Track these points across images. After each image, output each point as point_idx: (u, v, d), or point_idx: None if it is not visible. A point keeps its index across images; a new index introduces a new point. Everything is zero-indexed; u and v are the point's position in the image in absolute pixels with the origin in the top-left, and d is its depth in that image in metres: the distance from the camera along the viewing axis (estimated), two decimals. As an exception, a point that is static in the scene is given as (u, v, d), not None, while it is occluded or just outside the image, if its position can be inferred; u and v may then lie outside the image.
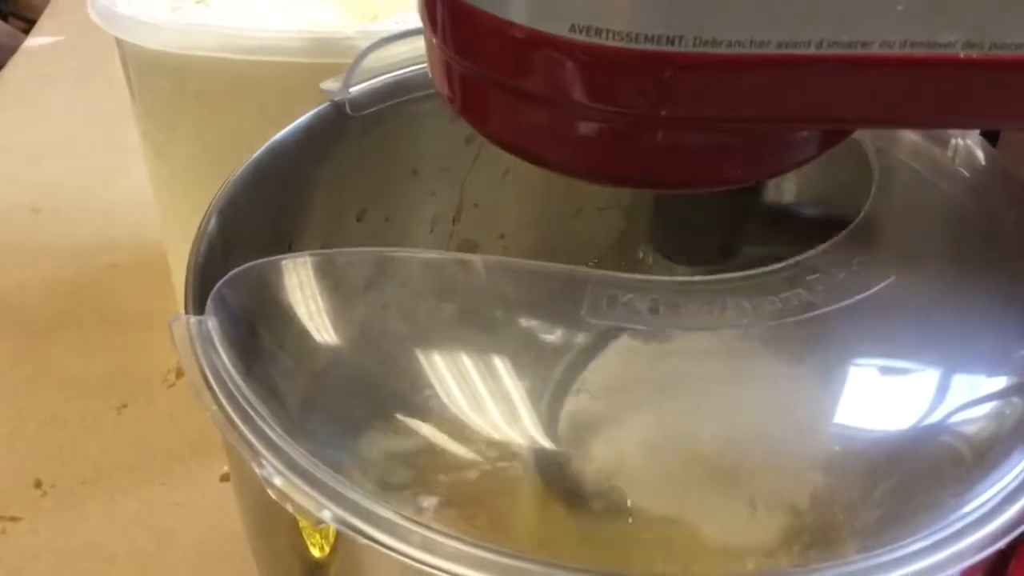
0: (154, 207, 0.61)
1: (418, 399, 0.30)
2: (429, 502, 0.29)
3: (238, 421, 0.26)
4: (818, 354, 0.26)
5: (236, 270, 0.29)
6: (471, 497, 0.29)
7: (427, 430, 0.31)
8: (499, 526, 0.30)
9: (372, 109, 0.40)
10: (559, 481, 0.30)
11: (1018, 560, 0.27)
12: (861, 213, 0.28)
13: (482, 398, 0.30)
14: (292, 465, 0.25)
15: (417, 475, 0.31)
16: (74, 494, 0.54)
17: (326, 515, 0.23)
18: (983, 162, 0.33)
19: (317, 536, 0.27)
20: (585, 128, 0.25)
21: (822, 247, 0.27)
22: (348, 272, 0.32)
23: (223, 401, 0.27)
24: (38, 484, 0.55)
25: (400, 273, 0.33)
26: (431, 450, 0.31)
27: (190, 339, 0.28)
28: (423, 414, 0.30)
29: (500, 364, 0.29)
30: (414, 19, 0.54)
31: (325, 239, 0.40)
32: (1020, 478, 0.25)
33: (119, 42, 0.51)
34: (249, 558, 0.35)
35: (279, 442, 0.26)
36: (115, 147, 0.79)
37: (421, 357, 0.31)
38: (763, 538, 0.27)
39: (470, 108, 0.28)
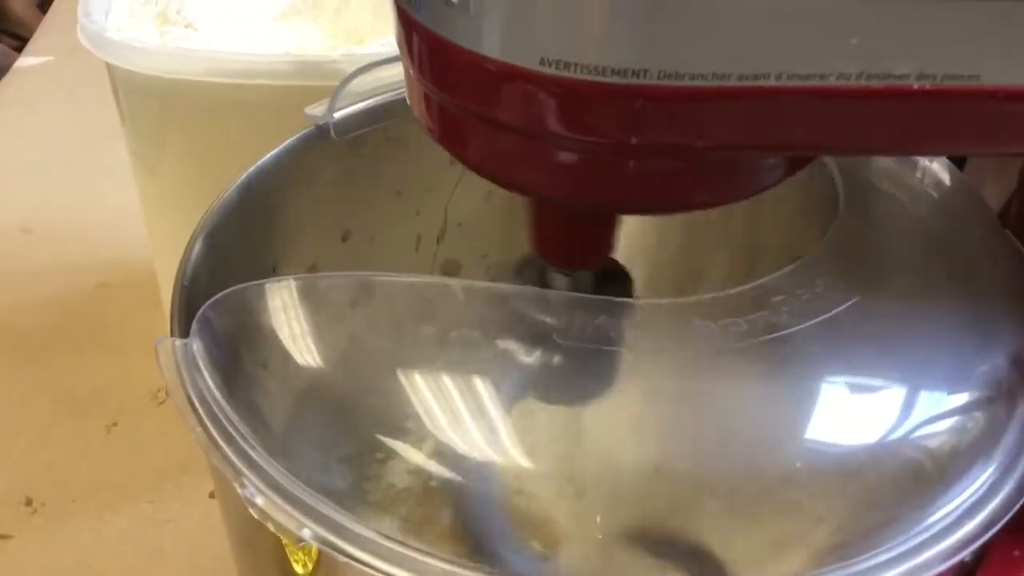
0: (143, 227, 0.62)
1: (398, 420, 0.31)
2: (409, 520, 0.30)
3: (221, 442, 0.27)
4: (783, 374, 0.27)
5: (220, 294, 0.30)
6: (450, 515, 0.30)
7: (407, 450, 0.31)
8: (479, 544, 0.31)
9: (357, 132, 0.41)
10: (535, 500, 0.31)
11: (984, 573, 0.28)
12: (827, 234, 0.29)
13: (461, 418, 0.31)
14: (273, 485, 0.25)
15: (398, 494, 0.32)
16: (64, 512, 0.55)
17: (306, 533, 0.24)
18: (949, 183, 0.34)
19: (300, 554, 0.28)
20: (558, 156, 0.26)
21: (787, 268, 0.28)
22: (330, 295, 0.33)
23: (207, 422, 0.28)
24: (28, 502, 0.55)
25: (381, 296, 0.34)
26: (411, 470, 0.32)
27: (175, 361, 0.29)
28: (403, 434, 0.31)
29: (478, 384, 0.30)
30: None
31: (311, 261, 0.41)
32: (982, 491, 0.26)
33: (109, 65, 0.52)
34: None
35: (261, 463, 0.27)
36: (105, 167, 0.80)
37: (402, 379, 0.32)
38: (727, 555, 0.27)
39: (448, 137, 0.28)
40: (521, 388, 0.28)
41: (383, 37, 0.56)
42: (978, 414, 0.27)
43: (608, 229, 0.29)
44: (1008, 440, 0.27)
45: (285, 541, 0.27)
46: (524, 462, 0.30)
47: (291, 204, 0.39)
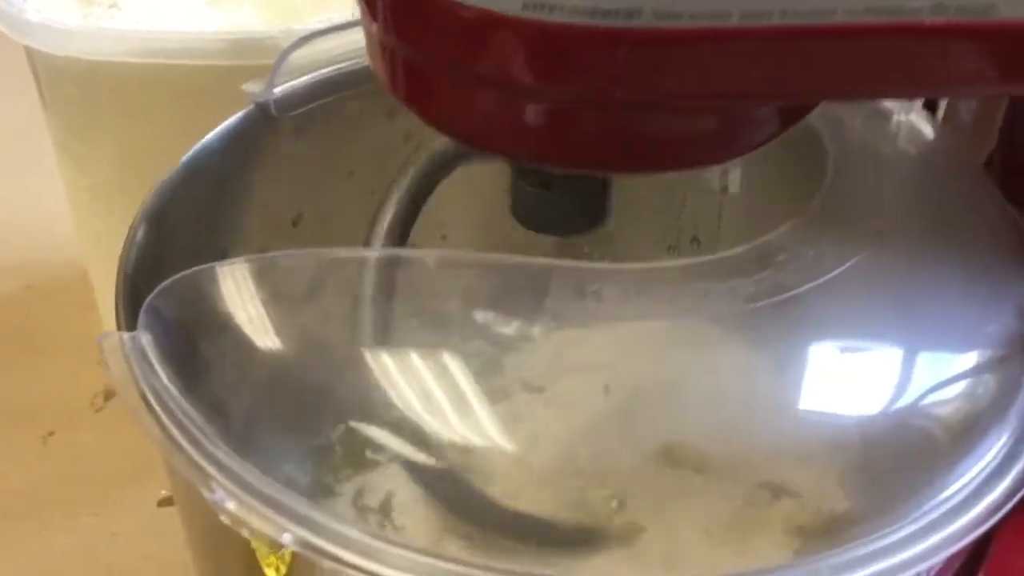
0: (71, 225, 0.58)
1: (371, 404, 0.29)
2: (387, 512, 0.28)
3: (184, 443, 0.24)
4: (793, 337, 0.25)
5: (168, 281, 0.27)
6: (433, 501, 0.27)
7: (382, 436, 0.29)
8: (461, 530, 0.29)
9: (300, 110, 0.38)
10: (522, 486, 0.29)
11: (998, 542, 0.26)
12: (820, 191, 0.27)
13: (437, 400, 0.29)
14: (245, 486, 0.23)
15: (370, 483, 0.30)
16: (2, 531, 0.51)
17: (286, 538, 0.22)
18: (930, 137, 0.33)
19: (273, 558, 0.25)
20: (539, 111, 0.24)
21: (786, 226, 0.26)
22: (287, 276, 0.31)
23: (165, 422, 0.25)
24: (-39, 521, 0.52)
25: (342, 274, 0.31)
26: (387, 457, 0.30)
27: (123, 356, 0.26)
28: (376, 420, 0.29)
29: (455, 363, 0.28)
30: (340, 17, 0.53)
31: (261, 246, 0.38)
32: (998, 458, 0.25)
33: (28, 50, 0.48)
34: (196, 586, 0.33)
35: (229, 463, 0.24)
36: (28, 163, 0.76)
37: (371, 360, 0.30)
38: (740, 534, 0.26)
39: (416, 97, 0.26)
40: (503, 365, 0.26)
41: (322, 15, 0.54)
42: (988, 376, 0.26)
43: None
44: (1022, 403, 0.25)
45: (256, 546, 0.25)
46: (509, 447, 0.28)
47: (237, 186, 0.37)
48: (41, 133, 0.53)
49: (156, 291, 0.27)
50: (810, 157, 0.29)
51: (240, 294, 0.29)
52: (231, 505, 0.22)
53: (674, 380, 0.25)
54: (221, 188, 0.36)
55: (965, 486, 0.24)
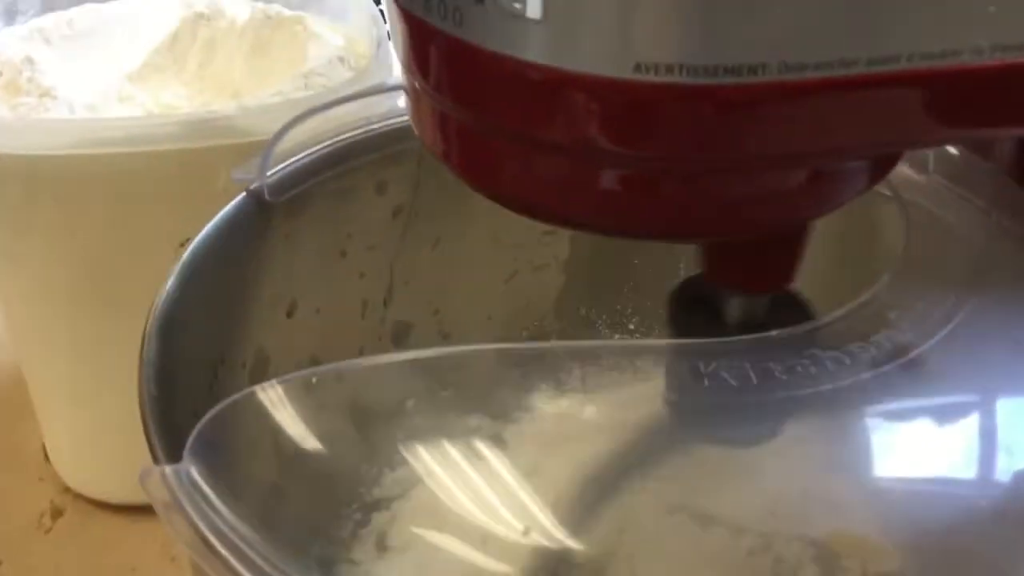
0: (3, 329, 0.54)
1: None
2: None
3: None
4: (930, 399, 0.23)
5: (215, 410, 0.24)
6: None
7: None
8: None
9: (292, 192, 0.36)
10: None
11: None
12: (903, 246, 0.26)
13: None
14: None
15: None
16: None
17: None
18: (959, 163, 0.32)
19: None
20: (632, 178, 0.22)
21: (883, 280, 0.24)
22: (320, 390, 0.28)
23: (235, 565, 0.22)
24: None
25: (358, 380, 0.29)
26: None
27: (172, 494, 0.23)
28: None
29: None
30: (288, 91, 0.50)
31: (258, 345, 0.35)
32: None
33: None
34: None
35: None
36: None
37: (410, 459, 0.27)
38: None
39: (471, 162, 0.24)
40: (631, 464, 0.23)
41: (263, 89, 0.51)
42: None
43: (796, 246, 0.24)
44: None
45: None
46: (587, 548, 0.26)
47: (233, 282, 0.34)
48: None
49: (203, 422, 0.24)
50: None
51: (280, 415, 0.26)
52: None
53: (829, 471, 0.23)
54: (219, 287, 0.33)
55: None
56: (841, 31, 0.19)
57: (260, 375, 0.35)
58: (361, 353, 0.40)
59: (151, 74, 0.55)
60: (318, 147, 0.36)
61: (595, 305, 0.44)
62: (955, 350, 0.23)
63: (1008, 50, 0.20)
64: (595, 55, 0.19)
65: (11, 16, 0.53)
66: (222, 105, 0.50)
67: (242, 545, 0.22)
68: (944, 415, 0.23)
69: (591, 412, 0.30)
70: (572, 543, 0.24)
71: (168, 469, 0.23)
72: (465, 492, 0.27)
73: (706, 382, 0.22)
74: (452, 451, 0.26)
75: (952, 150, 0.32)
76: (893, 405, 0.23)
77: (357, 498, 0.31)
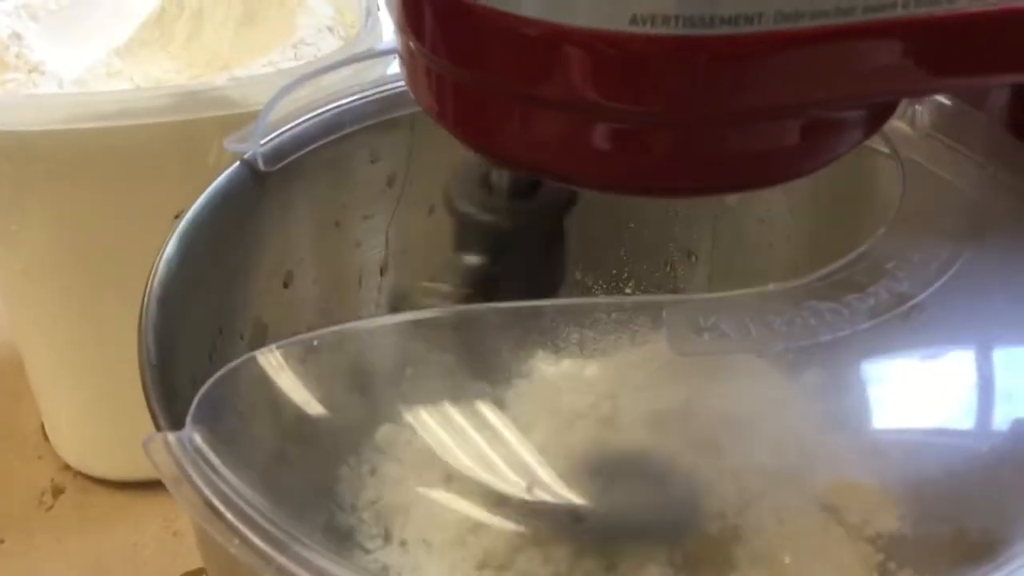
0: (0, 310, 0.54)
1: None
2: None
3: (272, 552, 0.21)
4: (929, 349, 0.23)
5: (216, 376, 0.24)
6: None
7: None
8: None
9: (286, 161, 0.35)
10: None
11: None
12: (899, 198, 0.26)
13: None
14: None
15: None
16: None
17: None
18: (952, 115, 0.32)
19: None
20: (627, 135, 0.22)
21: (879, 233, 0.24)
22: (321, 354, 0.28)
23: (243, 530, 0.22)
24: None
25: (358, 342, 0.29)
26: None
27: (176, 460, 0.23)
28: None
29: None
30: (278, 61, 0.49)
31: (256, 315, 0.35)
32: None
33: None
34: None
35: (327, 566, 0.21)
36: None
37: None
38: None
39: (468, 123, 0.24)
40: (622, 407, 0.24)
41: (254, 60, 0.50)
42: None
43: None
44: None
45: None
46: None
47: (229, 252, 0.34)
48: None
49: (206, 387, 0.24)
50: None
51: (281, 379, 0.26)
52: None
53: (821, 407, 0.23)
54: (216, 257, 0.32)
55: None
56: (836, -22, 0.19)
57: (259, 346, 0.35)
58: (359, 323, 0.40)
59: (139, 48, 0.54)
60: (311, 115, 0.36)
61: (591, 270, 0.44)
62: (953, 299, 0.23)
63: (1003, -5, 0.20)
64: (591, 8, 0.19)
65: (-4, -8, 0.53)
66: (212, 77, 0.50)
67: (247, 509, 0.22)
68: (943, 363, 0.23)
69: (592, 371, 0.30)
70: (577, 499, 0.24)
71: (171, 436, 0.23)
72: (468, 451, 0.27)
73: (706, 336, 0.22)
74: (453, 411, 0.26)
75: (946, 101, 0.32)
76: (892, 354, 0.23)
77: (361, 459, 0.31)
